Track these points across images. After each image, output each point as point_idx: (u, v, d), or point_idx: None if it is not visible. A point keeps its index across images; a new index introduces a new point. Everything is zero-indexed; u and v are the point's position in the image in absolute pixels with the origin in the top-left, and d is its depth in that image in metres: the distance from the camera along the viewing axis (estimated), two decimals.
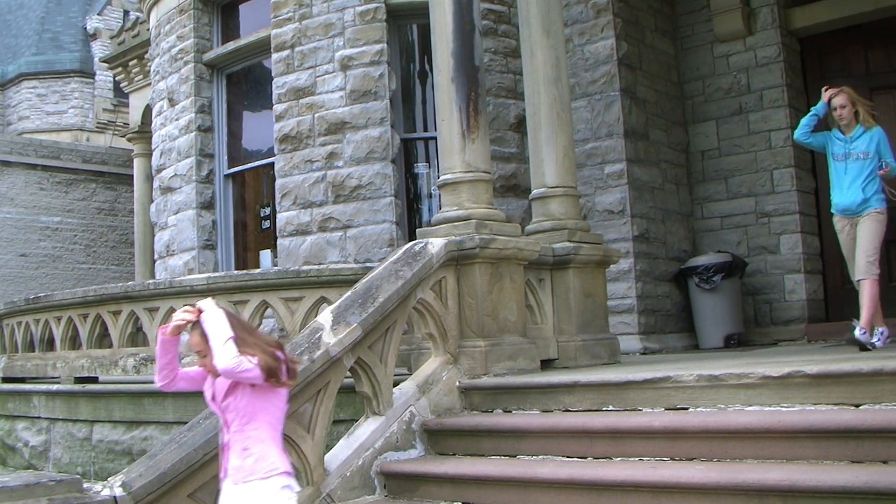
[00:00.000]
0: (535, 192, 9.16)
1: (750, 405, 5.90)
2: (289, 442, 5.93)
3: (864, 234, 8.61)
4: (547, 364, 8.32)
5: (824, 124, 8.94)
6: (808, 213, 12.46)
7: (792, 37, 12.86)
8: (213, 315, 4.53)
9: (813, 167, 12.63)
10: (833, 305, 12.53)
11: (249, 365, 4.39)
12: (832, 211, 8.94)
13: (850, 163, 8.75)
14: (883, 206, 8.68)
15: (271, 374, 4.47)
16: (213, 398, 4.70)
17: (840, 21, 12.55)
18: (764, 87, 12.51)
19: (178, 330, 4.68)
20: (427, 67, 12.12)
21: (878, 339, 8.33)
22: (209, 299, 4.70)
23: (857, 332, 8.32)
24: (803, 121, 8.99)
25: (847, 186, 8.76)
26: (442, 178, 8.16)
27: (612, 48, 11.96)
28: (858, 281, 8.58)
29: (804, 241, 12.21)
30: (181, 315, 4.62)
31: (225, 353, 4.39)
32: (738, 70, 12.75)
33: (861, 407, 5.49)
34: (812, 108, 9.05)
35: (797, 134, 9.09)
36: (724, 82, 12.87)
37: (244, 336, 4.51)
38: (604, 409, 6.52)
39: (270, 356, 4.49)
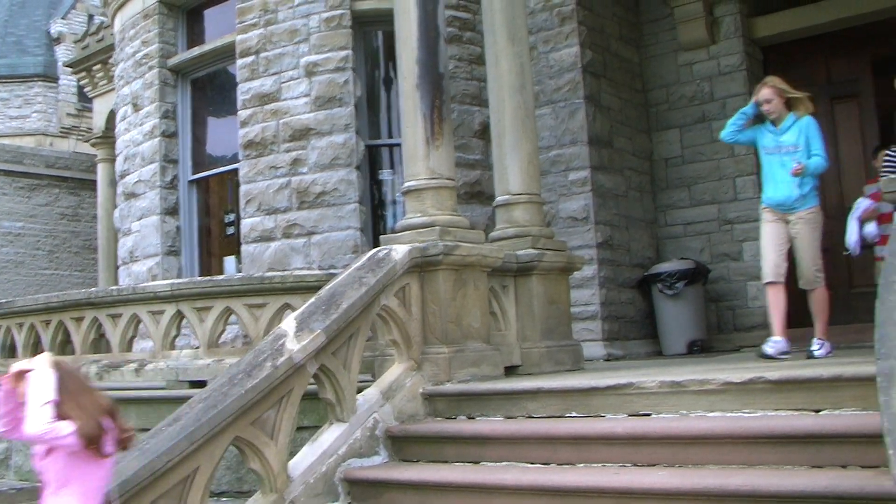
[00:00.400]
0: (499, 198, 9.18)
1: (712, 411, 5.93)
2: (252, 448, 5.93)
3: (805, 241, 8.39)
4: (511, 370, 8.33)
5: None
6: None
7: (755, 46, 12.97)
8: (39, 376, 4.35)
9: None
10: (795, 312, 12.57)
11: (62, 432, 4.23)
12: (763, 204, 8.64)
13: (783, 156, 8.50)
14: (818, 203, 8.49)
15: (91, 442, 4.33)
16: (37, 455, 4.55)
17: (802, 31, 12.68)
18: (727, 96, 12.59)
19: (16, 381, 4.43)
20: (392, 74, 12.13)
21: (773, 348, 8.27)
22: (46, 355, 4.52)
23: (813, 347, 8.30)
24: (730, 120, 8.86)
25: (781, 180, 8.46)
26: (406, 184, 8.17)
27: (577, 56, 12.01)
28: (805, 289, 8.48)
29: None
30: (17, 367, 4.43)
31: (36, 417, 4.22)
32: (701, 78, 12.84)
33: (821, 412, 5.53)
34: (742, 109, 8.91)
35: (723, 134, 8.95)
36: (687, 90, 12.95)
37: (73, 398, 4.35)
38: (567, 415, 6.53)
39: (95, 424, 4.34)
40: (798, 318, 8.92)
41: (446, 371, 7.41)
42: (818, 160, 8.42)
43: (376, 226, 11.94)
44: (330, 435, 6.62)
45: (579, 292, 11.11)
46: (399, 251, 7.33)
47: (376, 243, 8.39)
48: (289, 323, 6.56)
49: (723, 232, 12.55)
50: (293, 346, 6.27)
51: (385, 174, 12.28)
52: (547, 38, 12.24)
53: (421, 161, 8.03)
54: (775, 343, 8.24)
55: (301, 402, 6.39)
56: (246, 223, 12.16)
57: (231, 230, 13.17)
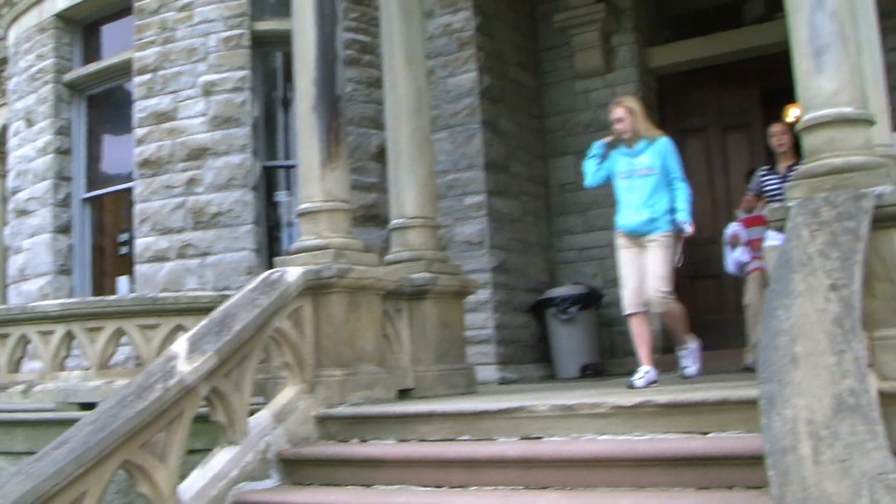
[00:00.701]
0: (394, 222, 9.21)
1: (603, 434, 6.01)
2: (141, 472, 5.86)
3: (653, 262, 8.15)
4: (404, 393, 8.36)
5: None
6: None
7: (650, 75, 13.20)
8: None
9: None
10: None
11: None
12: (617, 229, 8.46)
13: (636, 179, 8.24)
14: (672, 229, 8.20)
15: None
16: None
17: (696, 62, 12.95)
18: None
19: None
20: (290, 95, 12.09)
21: (643, 378, 7.97)
22: None
23: (683, 364, 8.57)
24: (586, 168, 8.73)
25: (634, 205, 8.23)
26: (301, 206, 8.16)
27: (475, 81, 12.10)
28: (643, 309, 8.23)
29: None
30: None
31: None
32: (597, 106, 12.99)
33: (708, 435, 5.65)
34: (589, 151, 8.77)
35: (587, 182, 8.81)
36: (583, 117, 13.12)
37: None
38: (460, 438, 6.57)
39: None
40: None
41: (339, 394, 7.41)
42: (684, 189, 8.28)
43: (271, 247, 11.88)
44: (221, 458, 6.57)
45: (474, 316, 11.17)
46: (293, 273, 7.33)
47: (271, 265, 8.36)
48: (181, 344, 6.51)
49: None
50: (185, 367, 6.22)
51: (281, 195, 12.24)
52: (446, 63, 12.32)
53: (317, 183, 8.04)
54: (645, 373, 8.02)
55: (193, 424, 6.33)
56: (140, 243, 12.02)
57: (125, 250, 13.00)
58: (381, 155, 11.76)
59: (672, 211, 8.24)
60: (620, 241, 8.38)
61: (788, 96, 6.98)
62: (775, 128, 9.73)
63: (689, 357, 8.62)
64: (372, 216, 11.91)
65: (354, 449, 6.91)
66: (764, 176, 9.75)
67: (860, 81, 6.01)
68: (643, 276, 8.21)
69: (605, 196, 12.65)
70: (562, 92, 13.34)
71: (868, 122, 5.98)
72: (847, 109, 5.88)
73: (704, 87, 13.28)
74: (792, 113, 14.10)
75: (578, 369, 11.96)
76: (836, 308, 4.74)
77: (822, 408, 4.20)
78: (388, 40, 9.34)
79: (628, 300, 8.28)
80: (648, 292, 8.13)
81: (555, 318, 12.08)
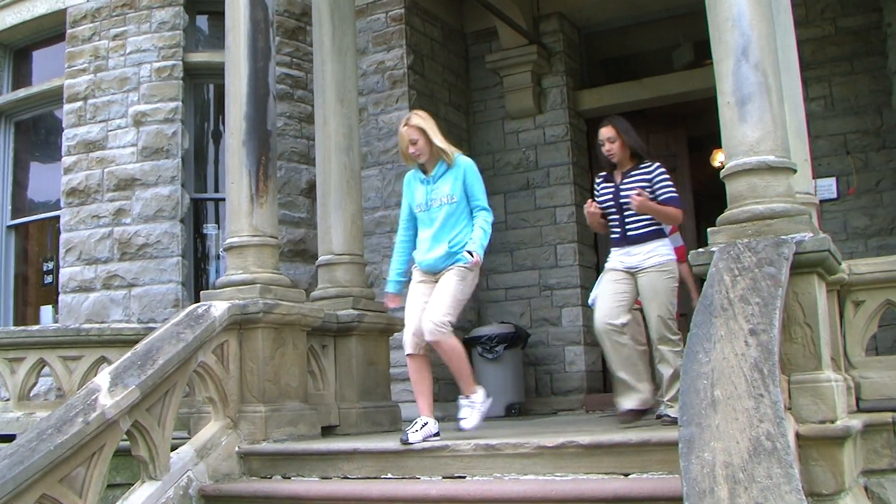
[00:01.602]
0: (321, 258, 9.21)
1: (526, 474, 6.04)
2: None
3: (441, 288, 7.09)
4: (328, 430, 8.33)
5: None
6: (589, 287, 12.71)
7: (580, 117, 13.34)
8: None
9: (595, 244, 13.09)
10: (611, 377, 12.90)
11: None
12: (415, 263, 7.48)
13: (434, 210, 7.22)
14: (467, 261, 7.12)
15: None
16: None
17: (624, 105, 13.08)
18: (551, 164, 12.91)
19: None
20: (221, 128, 12.08)
21: (418, 432, 6.71)
22: None
23: (461, 415, 7.17)
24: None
25: (431, 238, 7.23)
26: (228, 240, 8.14)
27: None
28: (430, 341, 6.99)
29: (585, 314, 12.57)
30: None
31: None
32: (527, 146, 13.13)
33: (630, 476, 5.72)
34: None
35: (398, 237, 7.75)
36: (513, 158, 13.22)
37: None
38: (382, 476, 6.57)
39: None
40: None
41: (263, 430, 7.37)
42: (485, 218, 7.25)
43: (198, 280, 11.82)
44: (142, 493, 6.50)
45: (399, 353, 11.05)
46: (219, 308, 7.29)
47: (198, 298, 8.33)
48: (103, 377, 6.45)
49: (543, 297, 12.79)
50: (106, 401, 6.16)
51: (209, 228, 12.18)
52: (377, 101, 12.37)
53: (244, 218, 8.03)
54: (422, 426, 6.79)
55: (114, 458, 6.27)
56: (65, 272, 11.89)
57: (49, 279, 12.85)
58: (310, 190, 11.76)
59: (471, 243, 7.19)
60: (415, 275, 7.40)
61: (716, 141, 7.11)
62: (603, 132, 7.86)
63: (471, 408, 7.16)
64: (300, 251, 11.89)
65: (276, 486, 6.87)
66: (599, 184, 8.05)
67: (783, 130, 6.13)
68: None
69: (533, 236, 12.83)
70: (492, 132, 13.44)
71: (790, 170, 6.10)
72: (769, 158, 5.99)
73: (633, 129, 13.43)
74: (718, 158, 14.34)
75: (504, 408, 11.97)
76: (755, 353, 4.81)
77: (739, 451, 4.26)
78: (320, 78, 9.37)
79: (406, 338, 7.20)
80: (425, 319, 6.98)
81: (481, 357, 12.10)
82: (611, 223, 7.83)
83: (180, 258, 11.42)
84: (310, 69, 11.18)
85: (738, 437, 4.35)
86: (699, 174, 13.80)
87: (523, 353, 12.46)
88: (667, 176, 7.64)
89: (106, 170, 11.85)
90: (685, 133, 13.28)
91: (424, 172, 7.41)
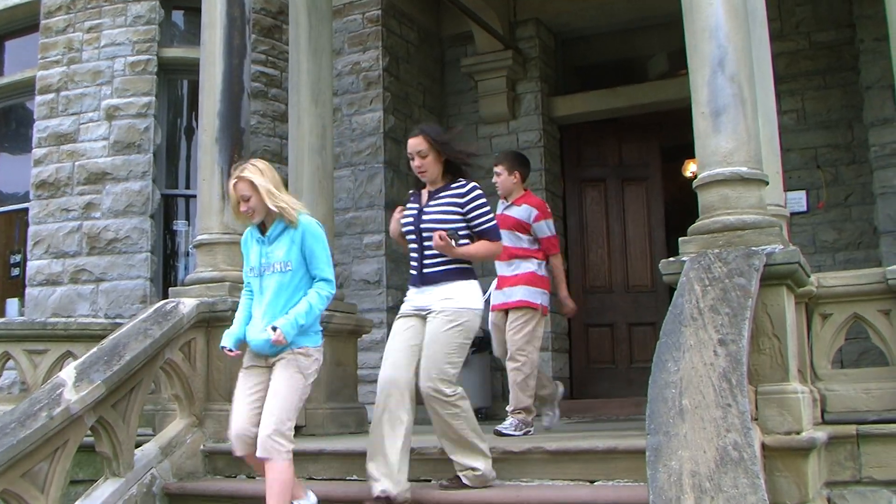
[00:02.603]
0: None
1: None
2: (21, 502, 5.75)
3: (274, 387, 5.76)
4: (295, 431, 8.28)
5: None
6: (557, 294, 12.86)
7: (553, 124, 13.35)
8: None
9: (566, 250, 13.11)
10: (578, 383, 12.96)
11: None
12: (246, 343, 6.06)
13: (267, 277, 5.94)
14: (314, 344, 5.93)
15: None
16: None
17: (597, 113, 13.14)
18: None
19: None
20: (194, 124, 12.02)
21: None
22: None
23: None
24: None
25: (261, 315, 5.89)
26: (198, 237, 8.12)
27: (380, 121, 12.16)
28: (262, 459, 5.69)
29: (553, 321, 12.58)
30: None
31: None
32: (500, 151, 13.12)
33: (595, 483, 5.76)
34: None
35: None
36: (486, 162, 13.13)
37: None
38: (347, 478, 6.58)
39: None
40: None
41: (228, 428, 7.33)
42: (318, 293, 5.93)
43: (167, 277, 11.76)
44: (105, 490, 6.47)
45: (368, 355, 11.14)
46: (187, 305, 7.27)
47: (166, 294, 8.28)
48: (68, 372, 6.41)
49: None
50: (71, 396, 6.12)
51: (179, 225, 12.12)
52: (352, 101, 12.35)
53: (215, 215, 8.00)
54: None
55: (77, 453, 6.24)
56: (32, 265, 11.81)
57: (16, 272, 12.75)
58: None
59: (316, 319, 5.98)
60: (245, 359, 6.04)
61: (688, 151, 7.10)
62: (412, 143, 6.23)
63: None
64: None
65: (240, 485, 6.86)
66: (408, 203, 6.51)
67: (756, 142, 6.16)
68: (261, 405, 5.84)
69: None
70: (466, 137, 13.41)
71: (762, 181, 6.13)
72: (742, 169, 6.01)
73: (606, 138, 13.48)
74: (691, 168, 14.40)
75: None
76: (723, 362, 4.83)
77: (706, 460, 4.27)
78: (295, 77, 9.34)
79: (233, 440, 5.95)
80: (264, 422, 5.71)
81: None
82: (411, 253, 6.32)
83: (149, 254, 11.36)
84: (285, 68, 11.16)
85: (705, 446, 4.36)
86: (670, 184, 13.84)
87: (491, 358, 12.44)
88: (483, 200, 6.18)
89: (77, 163, 11.78)
90: (658, 143, 13.32)
91: (262, 231, 6.11)
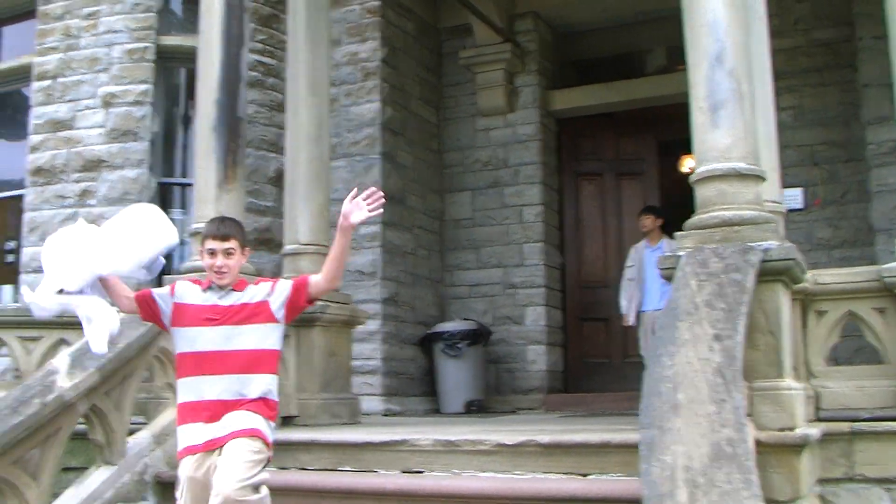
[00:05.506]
0: (287, 247, 9.15)
1: (484, 471, 6.05)
2: (13, 489, 5.74)
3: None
4: (287, 421, 8.28)
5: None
6: (553, 288, 12.88)
7: (551, 117, 13.35)
8: None
9: (561, 244, 13.13)
10: (571, 377, 12.98)
11: None
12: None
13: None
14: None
15: None
16: None
17: (595, 107, 13.17)
18: (520, 163, 12.91)
19: None
20: (191, 112, 11.97)
21: None
22: None
23: None
24: None
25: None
26: (194, 226, 8.09)
27: (377, 112, 12.13)
28: None
29: (548, 314, 12.60)
30: None
31: None
32: (497, 144, 13.12)
33: (588, 476, 5.76)
34: None
35: None
36: (482, 155, 13.21)
37: None
38: (340, 468, 6.56)
39: None
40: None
41: None
42: None
43: None
44: (97, 478, 6.46)
45: (361, 346, 11.13)
46: None
47: (161, 283, 8.26)
48: (62, 359, 6.39)
49: (507, 295, 12.78)
50: (64, 383, 6.11)
51: (175, 213, 12.07)
52: (349, 92, 12.33)
53: (211, 204, 7.98)
54: None
55: (70, 441, 6.23)
56: (27, 252, 11.77)
57: (11, 258, 12.73)
58: (278, 179, 11.69)
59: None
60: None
61: (685, 146, 7.09)
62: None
63: None
64: (265, 240, 11.82)
65: None
66: None
67: (753, 138, 6.15)
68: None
69: (500, 234, 12.83)
70: (463, 129, 13.42)
71: (759, 177, 6.12)
72: (740, 164, 6.01)
73: (603, 132, 13.49)
74: (687, 163, 14.39)
75: (463, 405, 11.98)
76: (718, 358, 4.83)
77: (700, 455, 4.27)
78: (293, 67, 9.31)
79: None
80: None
81: (442, 353, 12.09)
82: None
83: None
84: (282, 57, 11.13)
85: (699, 441, 4.37)
86: (666, 180, 13.83)
87: (485, 351, 12.46)
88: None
89: (73, 150, 11.75)
90: (655, 138, 13.32)
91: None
